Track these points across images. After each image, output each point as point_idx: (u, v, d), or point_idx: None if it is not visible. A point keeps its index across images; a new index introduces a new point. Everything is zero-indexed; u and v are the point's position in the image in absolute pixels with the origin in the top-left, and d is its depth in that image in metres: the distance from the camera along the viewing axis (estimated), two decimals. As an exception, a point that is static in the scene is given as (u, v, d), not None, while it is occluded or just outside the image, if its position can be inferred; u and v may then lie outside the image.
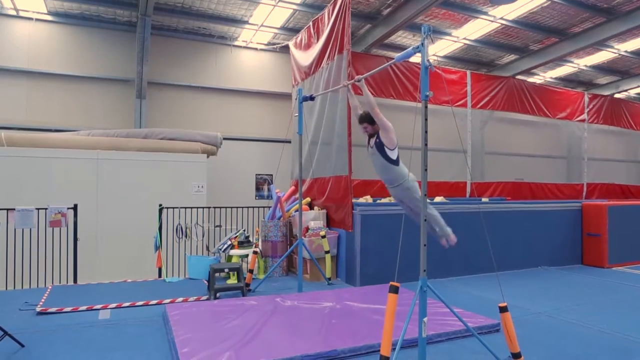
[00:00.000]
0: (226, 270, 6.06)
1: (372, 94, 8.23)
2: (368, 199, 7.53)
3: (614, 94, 13.50)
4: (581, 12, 9.16)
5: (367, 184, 8.03)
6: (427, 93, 3.25)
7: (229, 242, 6.87)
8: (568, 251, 8.31)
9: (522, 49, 11.19)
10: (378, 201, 7.47)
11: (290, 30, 10.02)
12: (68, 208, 6.35)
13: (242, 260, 6.74)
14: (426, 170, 3.32)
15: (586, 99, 11.11)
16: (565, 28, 9.95)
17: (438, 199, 8.12)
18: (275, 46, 10.71)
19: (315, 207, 7.53)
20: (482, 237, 4.63)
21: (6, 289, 6.38)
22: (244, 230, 7.49)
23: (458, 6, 8.91)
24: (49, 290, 5.69)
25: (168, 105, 10.19)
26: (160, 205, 6.84)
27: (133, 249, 7.56)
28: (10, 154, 7.20)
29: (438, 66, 9.74)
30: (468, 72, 9.52)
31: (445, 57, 11.69)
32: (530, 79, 12.46)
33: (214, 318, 4.38)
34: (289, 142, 8.99)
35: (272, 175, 10.65)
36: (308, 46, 8.19)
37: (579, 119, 10.95)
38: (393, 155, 4.36)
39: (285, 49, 9.85)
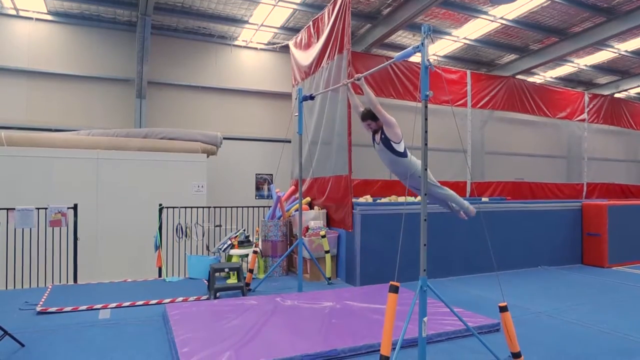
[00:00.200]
0: (226, 269, 6.06)
1: (373, 93, 8.22)
2: (368, 198, 7.53)
3: (614, 93, 13.49)
4: (581, 12, 9.16)
5: (367, 183, 8.03)
6: (427, 93, 3.25)
7: (229, 242, 6.87)
8: (568, 251, 8.31)
9: (522, 49, 11.19)
10: (378, 201, 7.47)
11: (290, 30, 10.01)
12: (68, 208, 6.35)
13: (242, 260, 6.74)
14: (426, 169, 3.33)
15: (586, 98, 11.10)
16: (565, 28, 9.95)
17: (438, 198, 8.11)
18: (275, 46, 10.71)
19: (315, 207, 7.53)
20: (482, 237, 4.63)
21: (6, 288, 6.39)
22: (244, 230, 7.49)
23: (458, 6, 8.91)
24: (49, 289, 5.70)
25: (168, 105, 10.19)
26: (160, 205, 6.84)
27: (133, 248, 7.56)
28: (10, 153, 7.20)
29: (438, 66, 9.74)
30: (468, 72, 9.51)
31: (445, 56, 11.69)
32: (531, 79, 12.46)
33: (214, 318, 4.38)
34: (289, 141, 8.99)
35: (272, 175, 10.65)
36: (308, 46, 8.19)
37: (579, 118, 10.94)
38: (400, 148, 4.41)
39: (285, 49, 9.85)
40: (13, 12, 8.95)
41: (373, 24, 9.65)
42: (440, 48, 11.11)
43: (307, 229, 6.81)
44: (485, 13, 9.23)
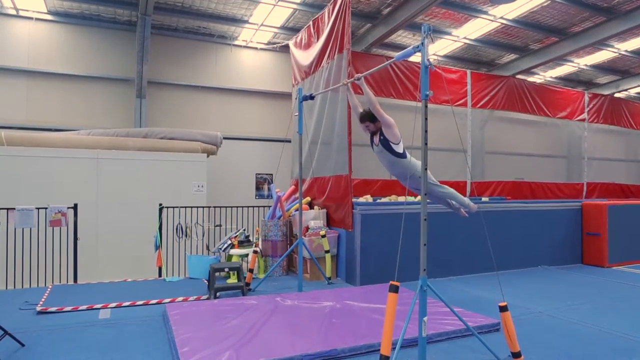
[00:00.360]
0: (226, 269, 6.07)
1: (373, 93, 8.23)
2: (368, 198, 7.53)
3: (614, 93, 13.49)
4: (581, 12, 9.15)
5: (367, 183, 8.03)
6: (427, 92, 3.25)
7: (229, 242, 6.87)
8: (568, 250, 8.31)
9: (522, 49, 11.19)
10: (378, 200, 7.47)
11: (291, 29, 10.01)
12: (68, 207, 6.35)
13: (242, 260, 6.74)
14: (426, 169, 3.33)
15: (586, 98, 11.11)
16: (565, 27, 9.94)
17: (438, 198, 8.11)
18: (275, 45, 10.71)
19: (315, 207, 7.53)
20: (482, 237, 4.63)
21: (6, 288, 6.39)
22: (244, 230, 7.49)
23: (458, 5, 8.90)
24: (49, 289, 5.70)
25: (168, 104, 10.19)
26: (160, 204, 6.84)
27: (133, 248, 7.56)
28: (10, 153, 7.20)
29: (438, 65, 9.74)
30: (468, 72, 9.51)
31: (445, 56, 11.69)
32: (531, 79, 12.45)
33: (214, 317, 4.39)
34: (289, 141, 8.99)
35: (272, 174, 10.65)
36: (308, 45, 8.19)
37: (579, 118, 10.94)
38: (399, 149, 4.40)
39: (285, 49, 9.85)
40: (13, 12, 8.95)
41: (373, 23, 9.65)
42: (440, 48, 11.10)
43: (307, 228, 6.81)
44: (485, 13, 9.23)
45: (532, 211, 8.01)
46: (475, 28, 9.98)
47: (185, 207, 7.22)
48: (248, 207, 8.44)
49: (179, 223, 6.93)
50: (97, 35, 9.57)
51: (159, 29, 9.87)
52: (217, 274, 5.67)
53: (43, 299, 5.12)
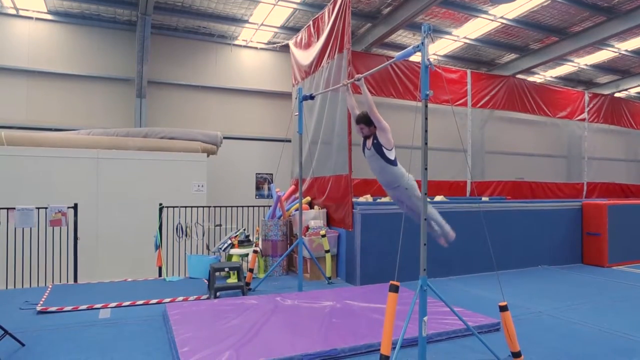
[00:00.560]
0: (226, 269, 6.07)
1: (373, 93, 8.25)
2: (368, 198, 7.53)
3: (614, 93, 13.49)
4: (581, 11, 9.15)
5: (367, 183, 8.02)
6: (427, 92, 3.25)
7: (229, 241, 6.87)
8: (568, 250, 8.31)
9: (522, 48, 11.18)
10: (378, 200, 7.47)
11: (291, 29, 10.01)
12: (68, 207, 6.36)
13: (242, 260, 6.75)
14: (426, 169, 3.33)
15: (586, 98, 11.11)
16: (565, 27, 9.94)
17: (438, 198, 8.13)
18: (275, 45, 10.71)
19: (316, 206, 7.53)
20: (482, 237, 4.63)
21: (6, 288, 6.39)
22: (244, 230, 7.49)
23: (458, 5, 8.90)
24: (49, 289, 5.70)
25: (168, 104, 10.18)
26: (160, 204, 6.84)
27: (133, 248, 7.56)
28: (10, 153, 7.20)
29: (438, 65, 9.75)
30: (468, 71, 9.52)
31: (445, 56, 11.69)
32: (531, 78, 12.45)
33: (214, 317, 4.39)
34: (289, 141, 8.99)
35: (272, 174, 10.65)
36: (308, 45, 8.19)
37: (579, 118, 10.95)
38: (391, 155, 4.37)
39: (286, 48, 9.85)
40: (13, 12, 8.94)
41: (373, 23, 9.64)
42: (440, 47, 11.10)
43: (307, 228, 6.81)
44: (486, 12, 9.22)
45: (532, 211, 8.01)
46: (476, 28, 9.97)
47: (186, 206, 7.23)
48: (248, 206, 8.44)
49: (179, 223, 6.93)
50: (97, 35, 9.57)
51: (159, 29, 9.87)
52: (217, 273, 5.67)
53: (43, 299, 5.13)
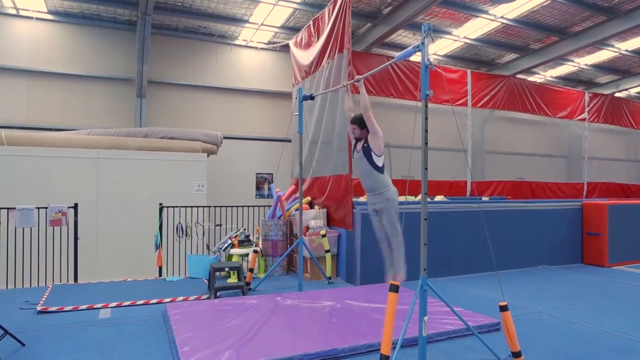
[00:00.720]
0: (226, 269, 6.06)
1: (373, 93, 8.25)
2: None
3: (614, 92, 13.49)
4: (582, 11, 9.15)
5: (367, 183, 8.01)
6: (428, 92, 3.25)
7: (229, 241, 6.87)
8: (568, 250, 8.31)
9: (522, 48, 11.18)
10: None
11: (291, 29, 10.01)
12: (68, 207, 6.36)
13: (242, 259, 6.74)
14: (426, 169, 3.32)
15: (587, 98, 11.11)
16: (565, 27, 9.94)
17: (438, 198, 8.12)
18: (275, 45, 10.71)
19: (316, 206, 7.53)
20: (483, 236, 4.64)
21: (7, 288, 6.38)
22: (244, 229, 7.49)
23: (458, 5, 8.90)
24: (49, 289, 5.70)
25: (168, 104, 10.19)
26: (160, 204, 6.84)
27: (133, 248, 7.56)
28: (10, 152, 7.20)
29: (438, 65, 9.74)
30: (468, 71, 9.51)
31: (445, 56, 11.69)
32: (531, 78, 12.45)
33: (215, 317, 4.38)
34: (289, 141, 8.99)
35: (272, 174, 10.66)
36: (308, 45, 8.18)
37: (579, 118, 10.94)
38: (379, 162, 4.41)
39: (286, 48, 9.84)
40: (13, 12, 8.95)
41: (373, 23, 9.64)
42: (440, 47, 11.10)
43: (308, 228, 6.81)
44: (486, 12, 9.22)
45: (532, 211, 8.01)
46: (476, 27, 9.97)
47: (186, 206, 7.23)
48: (248, 206, 8.44)
49: (179, 223, 6.94)
50: (97, 35, 9.57)
51: (159, 29, 9.87)
52: (217, 273, 5.67)
53: (43, 299, 5.12)
